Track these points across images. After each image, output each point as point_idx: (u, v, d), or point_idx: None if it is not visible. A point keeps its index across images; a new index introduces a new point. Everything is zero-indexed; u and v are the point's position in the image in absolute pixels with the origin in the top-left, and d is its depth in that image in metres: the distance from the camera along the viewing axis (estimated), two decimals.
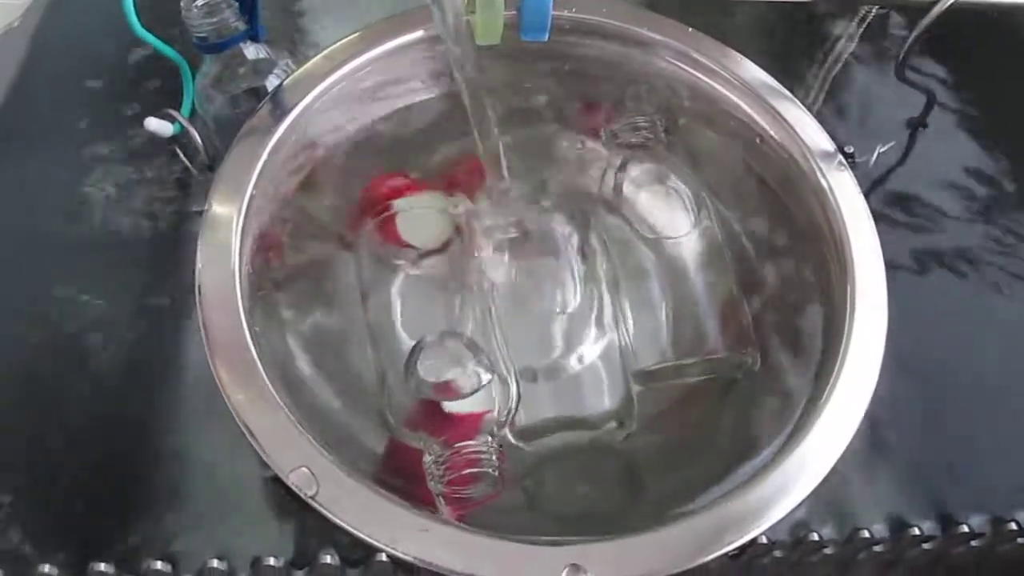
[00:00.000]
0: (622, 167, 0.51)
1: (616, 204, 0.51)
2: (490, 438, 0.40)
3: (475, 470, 0.39)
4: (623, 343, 0.47)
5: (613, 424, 0.44)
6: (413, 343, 0.42)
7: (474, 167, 0.48)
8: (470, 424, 0.41)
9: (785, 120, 0.48)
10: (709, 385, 0.46)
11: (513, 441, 0.43)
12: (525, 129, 0.53)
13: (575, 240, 0.49)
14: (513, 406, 0.42)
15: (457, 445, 0.39)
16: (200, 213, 0.43)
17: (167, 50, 0.48)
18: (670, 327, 0.47)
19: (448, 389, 0.41)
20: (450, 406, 0.42)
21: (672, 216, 0.50)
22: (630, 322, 0.47)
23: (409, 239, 0.49)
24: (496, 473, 0.39)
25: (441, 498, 0.39)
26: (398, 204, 0.49)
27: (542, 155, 0.53)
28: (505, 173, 0.46)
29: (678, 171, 0.51)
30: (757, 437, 0.42)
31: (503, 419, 0.42)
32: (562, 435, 0.44)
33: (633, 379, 0.45)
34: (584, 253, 0.49)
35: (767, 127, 0.49)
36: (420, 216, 0.49)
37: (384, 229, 0.49)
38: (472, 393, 0.41)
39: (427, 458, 0.40)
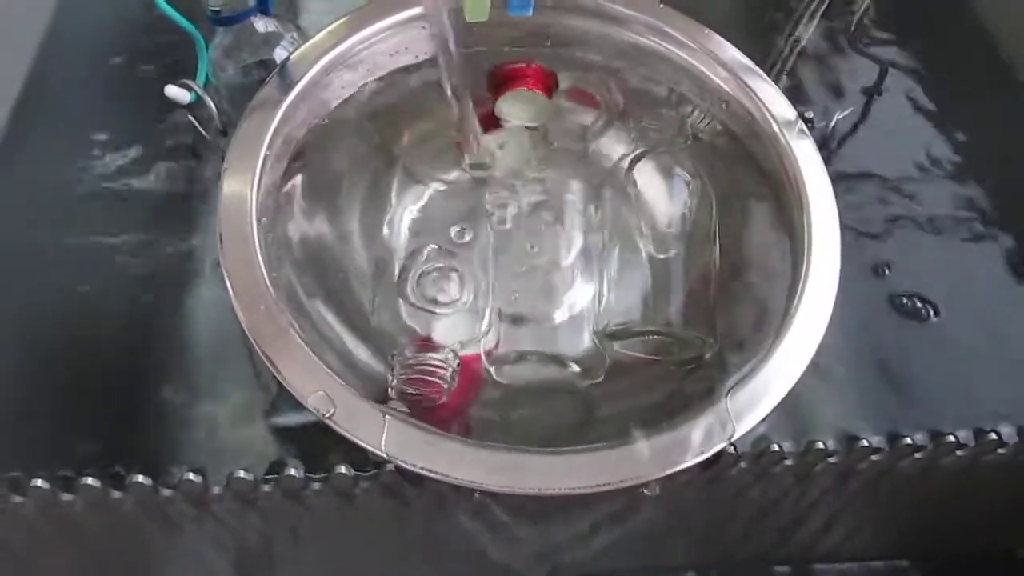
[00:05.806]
0: (639, 155, 0.54)
1: (624, 183, 0.54)
2: (451, 356, 0.45)
3: (429, 378, 0.44)
4: (601, 306, 0.50)
5: (578, 370, 0.47)
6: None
7: None
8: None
9: (750, 88, 0.53)
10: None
11: (486, 365, 0.47)
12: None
13: (583, 206, 0.53)
14: (480, 336, 0.47)
15: (423, 354, 0.45)
16: (213, 176, 0.46)
17: (184, 23, 0.51)
18: (645, 299, 0.51)
19: (431, 300, 0.47)
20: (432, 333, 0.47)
21: (672, 203, 0.53)
22: (611, 289, 0.51)
23: None
24: (447, 387, 0.44)
25: (394, 391, 0.44)
26: None
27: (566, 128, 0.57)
28: (476, 148, 0.50)
29: (685, 164, 0.54)
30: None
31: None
32: (533, 369, 0.48)
33: (595, 337, 0.49)
34: (588, 220, 0.53)
35: (733, 94, 0.53)
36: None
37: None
38: (448, 307, 0.47)
39: (393, 358, 0.45)
